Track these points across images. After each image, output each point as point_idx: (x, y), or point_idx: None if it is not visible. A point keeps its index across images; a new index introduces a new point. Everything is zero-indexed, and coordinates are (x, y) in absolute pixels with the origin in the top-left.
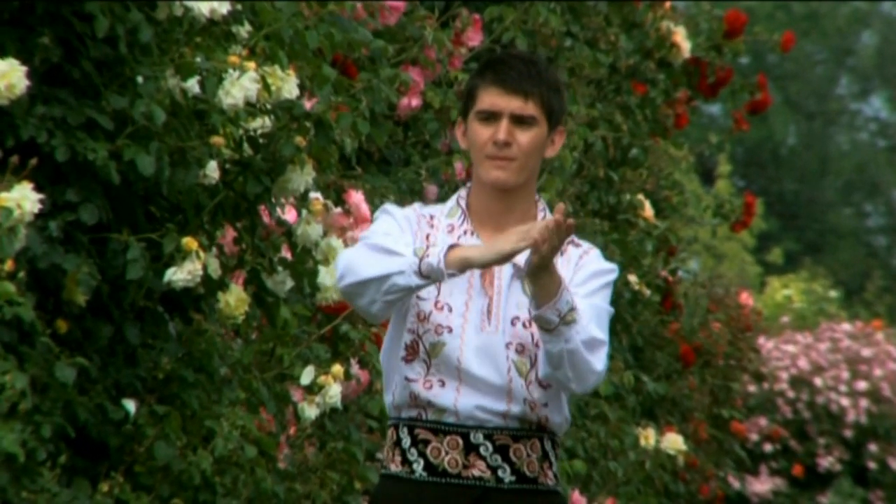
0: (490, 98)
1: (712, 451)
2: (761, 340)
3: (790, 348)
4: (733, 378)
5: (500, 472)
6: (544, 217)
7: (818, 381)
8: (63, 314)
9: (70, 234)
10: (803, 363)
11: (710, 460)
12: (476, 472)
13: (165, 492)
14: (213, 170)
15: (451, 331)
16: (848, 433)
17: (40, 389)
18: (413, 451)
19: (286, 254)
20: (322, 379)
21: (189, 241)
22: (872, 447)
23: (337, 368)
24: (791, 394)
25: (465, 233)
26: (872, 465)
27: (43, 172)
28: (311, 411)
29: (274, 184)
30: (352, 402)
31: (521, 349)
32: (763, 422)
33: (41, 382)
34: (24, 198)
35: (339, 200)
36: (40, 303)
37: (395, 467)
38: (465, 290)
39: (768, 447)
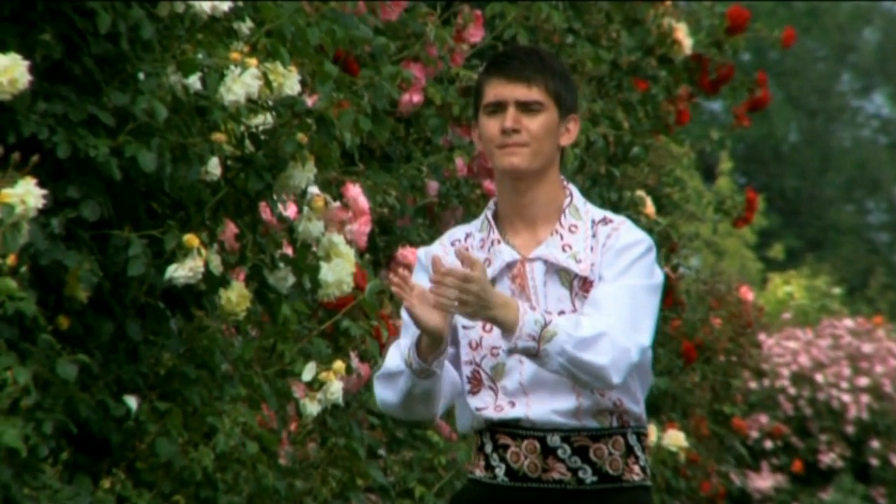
0: (494, 90)
1: (713, 447)
2: (762, 337)
3: (791, 345)
4: (734, 374)
5: (580, 474)
6: (571, 202)
7: (819, 378)
8: (65, 310)
9: (71, 231)
10: (804, 359)
11: (712, 457)
12: (556, 476)
13: (167, 488)
14: (214, 166)
15: None
16: (849, 430)
17: (42, 386)
18: (495, 456)
19: (287, 250)
20: (323, 375)
21: (190, 238)
22: (874, 444)
23: (338, 365)
24: (792, 390)
25: (493, 242)
26: (874, 461)
27: (44, 169)
28: (312, 408)
29: (275, 180)
30: (353, 398)
31: None
32: (764, 418)
33: (43, 379)
34: (28, 193)
35: (341, 197)
36: (42, 299)
37: (479, 472)
38: None
39: (769, 444)
